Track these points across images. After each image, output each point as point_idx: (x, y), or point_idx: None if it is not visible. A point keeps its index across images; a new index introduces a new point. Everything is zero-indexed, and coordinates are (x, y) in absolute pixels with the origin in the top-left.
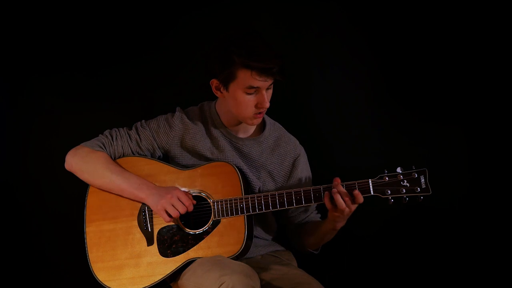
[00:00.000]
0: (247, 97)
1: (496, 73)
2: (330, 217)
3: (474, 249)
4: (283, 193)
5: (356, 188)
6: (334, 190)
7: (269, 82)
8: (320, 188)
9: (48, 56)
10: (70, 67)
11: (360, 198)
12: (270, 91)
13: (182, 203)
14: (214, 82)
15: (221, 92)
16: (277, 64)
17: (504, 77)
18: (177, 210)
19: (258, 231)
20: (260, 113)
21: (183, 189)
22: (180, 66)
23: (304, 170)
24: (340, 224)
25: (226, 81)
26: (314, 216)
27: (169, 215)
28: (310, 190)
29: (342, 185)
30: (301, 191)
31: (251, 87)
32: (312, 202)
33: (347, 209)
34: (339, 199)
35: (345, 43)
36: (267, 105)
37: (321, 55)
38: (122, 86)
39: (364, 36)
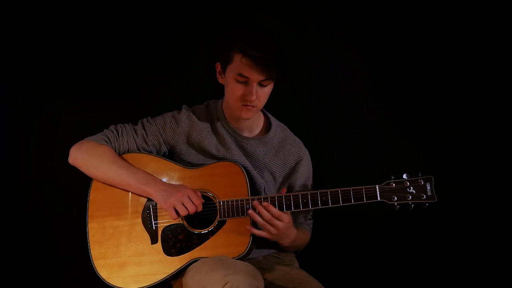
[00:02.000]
0: (236, 85)
1: (496, 73)
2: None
3: (474, 249)
4: (290, 196)
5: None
6: (250, 211)
7: (260, 77)
8: (327, 192)
9: (48, 56)
10: (70, 67)
11: (275, 212)
12: (265, 90)
13: (192, 202)
14: (218, 66)
15: (222, 78)
16: (271, 58)
17: (504, 77)
18: (187, 209)
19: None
20: (247, 106)
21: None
22: (180, 66)
23: (304, 174)
24: (281, 242)
25: (225, 64)
26: (304, 221)
27: (177, 213)
28: (317, 193)
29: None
30: (308, 194)
31: (241, 75)
32: (319, 206)
33: (272, 230)
34: (256, 218)
35: (345, 43)
36: (252, 98)
37: (321, 55)
38: (122, 86)
39: (364, 36)
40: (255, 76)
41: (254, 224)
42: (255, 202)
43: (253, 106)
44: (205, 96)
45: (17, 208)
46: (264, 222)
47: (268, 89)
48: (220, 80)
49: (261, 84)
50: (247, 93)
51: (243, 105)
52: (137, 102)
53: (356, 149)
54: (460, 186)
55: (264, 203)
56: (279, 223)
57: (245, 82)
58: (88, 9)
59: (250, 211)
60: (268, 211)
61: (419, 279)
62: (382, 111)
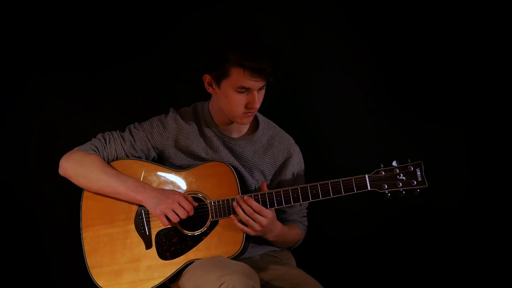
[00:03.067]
0: (237, 96)
1: (496, 73)
2: None
3: (474, 249)
4: (280, 191)
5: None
6: (234, 203)
7: (260, 83)
8: (317, 185)
9: (48, 56)
10: (70, 67)
11: (256, 207)
12: (262, 92)
13: (183, 208)
14: (206, 78)
15: (213, 89)
16: (271, 66)
17: (504, 77)
18: (178, 215)
19: None
20: (249, 112)
21: (179, 191)
22: (180, 66)
23: (294, 171)
24: (265, 236)
25: (219, 78)
26: (297, 218)
27: (169, 220)
28: (307, 187)
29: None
30: (298, 188)
31: (243, 87)
32: (309, 199)
33: (255, 226)
34: (239, 211)
35: (345, 43)
36: (257, 106)
37: (321, 55)
38: (122, 86)
39: (364, 36)
40: (257, 85)
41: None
42: (238, 197)
43: (253, 111)
44: (204, 96)
45: (17, 208)
46: (247, 218)
47: (264, 91)
48: (210, 91)
49: (259, 89)
50: (250, 101)
51: (244, 112)
52: (136, 102)
53: (356, 149)
54: (460, 185)
55: (245, 197)
56: (262, 219)
57: (246, 91)
58: (88, 9)
59: (235, 203)
60: (249, 205)
61: (417, 278)
62: (382, 111)
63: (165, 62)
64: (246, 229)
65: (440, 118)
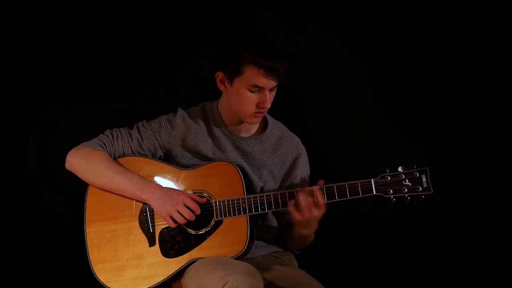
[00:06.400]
0: (249, 95)
1: (496, 73)
2: (293, 221)
3: (474, 249)
4: (285, 193)
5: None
6: (298, 189)
7: (273, 83)
8: (323, 188)
9: (48, 56)
10: (70, 68)
11: (320, 200)
12: (273, 93)
13: (189, 208)
14: (219, 75)
15: (225, 86)
16: (285, 66)
17: (504, 77)
18: (183, 216)
19: (258, 231)
20: (260, 112)
21: (184, 189)
22: (180, 66)
23: (303, 170)
24: (305, 231)
25: (232, 75)
26: None
27: (175, 221)
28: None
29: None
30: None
31: (256, 86)
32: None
33: (306, 213)
34: (299, 197)
35: (345, 43)
36: (268, 105)
37: (321, 55)
38: (122, 87)
39: (364, 36)
40: (270, 85)
41: (251, 224)
42: (307, 188)
43: (264, 111)
44: (205, 96)
45: (16, 209)
46: (306, 204)
47: (275, 92)
48: (222, 88)
49: (271, 89)
50: (262, 100)
51: (255, 112)
52: (137, 102)
53: (356, 149)
54: (460, 185)
55: (315, 188)
56: (316, 211)
57: (258, 90)
58: (88, 9)
59: (299, 190)
60: (313, 196)
61: (419, 278)
62: (382, 111)
63: (165, 62)
64: (296, 212)
65: (440, 118)
